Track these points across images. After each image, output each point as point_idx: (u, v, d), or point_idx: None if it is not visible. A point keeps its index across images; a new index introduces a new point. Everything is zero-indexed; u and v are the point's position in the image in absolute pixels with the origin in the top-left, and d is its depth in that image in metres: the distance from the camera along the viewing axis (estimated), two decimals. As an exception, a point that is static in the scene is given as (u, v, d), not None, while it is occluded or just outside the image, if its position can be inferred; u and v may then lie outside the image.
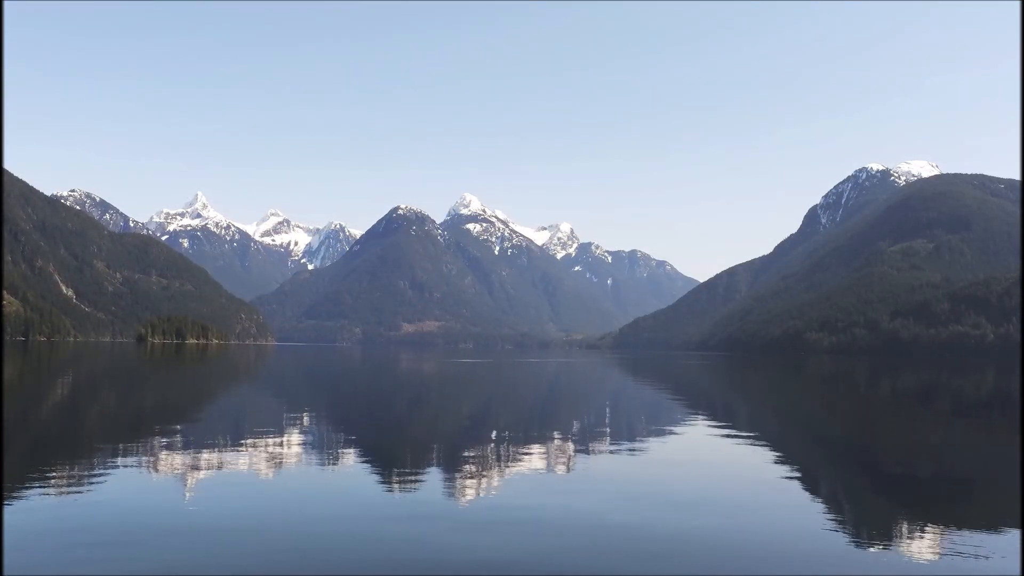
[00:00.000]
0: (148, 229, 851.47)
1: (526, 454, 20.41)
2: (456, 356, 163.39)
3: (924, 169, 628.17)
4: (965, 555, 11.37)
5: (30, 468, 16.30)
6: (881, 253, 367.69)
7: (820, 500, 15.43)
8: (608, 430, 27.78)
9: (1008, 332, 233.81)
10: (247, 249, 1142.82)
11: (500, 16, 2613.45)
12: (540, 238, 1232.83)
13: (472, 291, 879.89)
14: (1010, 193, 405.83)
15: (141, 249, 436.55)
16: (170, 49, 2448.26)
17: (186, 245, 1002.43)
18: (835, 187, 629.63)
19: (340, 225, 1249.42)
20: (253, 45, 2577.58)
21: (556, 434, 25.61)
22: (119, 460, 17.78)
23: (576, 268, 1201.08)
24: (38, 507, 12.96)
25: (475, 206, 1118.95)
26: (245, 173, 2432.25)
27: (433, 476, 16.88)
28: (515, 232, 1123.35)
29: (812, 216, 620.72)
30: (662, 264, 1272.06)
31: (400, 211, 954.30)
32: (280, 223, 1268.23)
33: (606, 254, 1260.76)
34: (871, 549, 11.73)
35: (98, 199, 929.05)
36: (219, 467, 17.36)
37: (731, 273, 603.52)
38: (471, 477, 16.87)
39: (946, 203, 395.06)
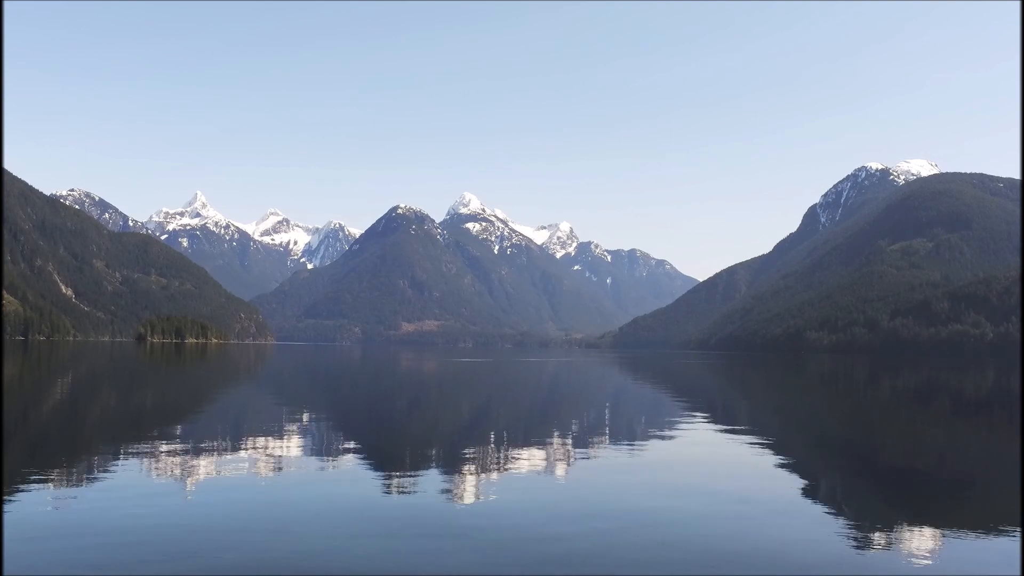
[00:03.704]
0: (147, 228, 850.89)
1: (526, 453, 20.40)
2: (456, 355, 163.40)
3: (923, 168, 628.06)
4: (965, 555, 11.36)
5: (30, 468, 16.29)
6: (881, 252, 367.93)
7: (819, 499, 15.42)
8: (608, 428, 27.77)
9: (1008, 331, 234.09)
10: (246, 248, 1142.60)
11: (500, 16, 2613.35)
12: (540, 237, 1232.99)
13: (472, 290, 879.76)
14: (1009, 192, 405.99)
15: (140, 248, 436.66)
16: (170, 49, 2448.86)
17: (185, 244, 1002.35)
18: (834, 186, 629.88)
19: (339, 224, 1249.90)
20: (253, 45, 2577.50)
21: (556, 433, 25.60)
22: (119, 460, 17.77)
23: (576, 267, 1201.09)
24: (38, 507, 12.95)
25: (474, 205, 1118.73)
26: (244, 172, 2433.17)
27: (433, 475, 16.87)
28: (514, 231, 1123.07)
29: (812, 215, 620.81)
30: (662, 263, 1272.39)
31: (399, 210, 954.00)
32: (279, 222, 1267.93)
33: (605, 253, 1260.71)
34: (870, 548, 11.72)
35: (97, 198, 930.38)
36: (219, 467, 17.35)
37: (731, 272, 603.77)
38: (471, 476, 16.86)
39: (946, 202, 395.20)
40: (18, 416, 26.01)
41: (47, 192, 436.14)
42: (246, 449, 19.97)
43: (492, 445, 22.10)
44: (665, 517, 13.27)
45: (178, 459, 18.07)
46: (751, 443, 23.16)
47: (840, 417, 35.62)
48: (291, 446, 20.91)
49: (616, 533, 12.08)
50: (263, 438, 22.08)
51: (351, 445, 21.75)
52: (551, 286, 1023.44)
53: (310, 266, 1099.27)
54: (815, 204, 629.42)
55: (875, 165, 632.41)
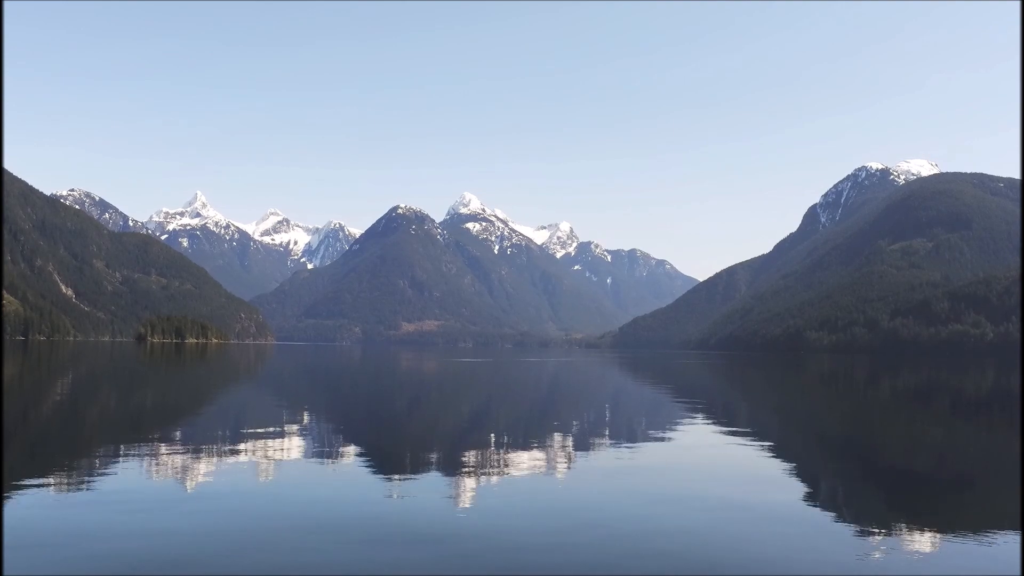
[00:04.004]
0: (148, 228, 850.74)
1: (526, 453, 20.40)
2: (456, 355, 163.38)
3: (924, 168, 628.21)
4: (965, 555, 11.36)
5: (30, 468, 16.29)
6: (881, 252, 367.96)
7: (819, 499, 15.43)
8: (608, 428, 27.78)
9: (1008, 331, 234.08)
10: (247, 248, 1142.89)
11: (500, 16, 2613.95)
12: (540, 237, 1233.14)
13: (472, 290, 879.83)
14: (1010, 192, 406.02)
15: (141, 248, 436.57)
16: (170, 49, 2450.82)
17: (185, 244, 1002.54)
18: (835, 186, 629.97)
19: (340, 224, 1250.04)
20: (253, 45, 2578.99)
21: (556, 433, 25.59)
22: (119, 460, 17.77)
23: (576, 267, 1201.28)
24: (38, 507, 12.95)
25: (475, 205, 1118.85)
26: (245, 172, 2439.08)
27: (433, 476, 16.86)
28: (515, 231, 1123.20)
29: (812, 215, 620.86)
30: (662, 263, 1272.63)
31: (400, 210, 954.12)
32: (280, 222, 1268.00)
33: (606, 253, 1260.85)
34: (870, 549, 11.71)
35: (97, 198, 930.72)
36: (219, 467, 17.35)
37: (731, 272, 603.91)
38: (471, 476, 16.85)
39: (946, 202, 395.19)
40: (18, 416, 26.01)
41: (47, 192, 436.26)
42: (246, 450, 19.96)
43: (492, 447, 22.09)
44: (666, 519, 13.26)
45: (178, 460, 18.06)
46: (751, 444, 23.15)
47: (840, 417, 35.61)
48: (291, 447, 20.91)
49: (616, 531, 12.08)
50: (263, 439, 22.07)
51: (351, 446, 21.73)
52: (551, 286, 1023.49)
53: (310, 266, 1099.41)
54: (815, 204, 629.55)
55: (875, 165, 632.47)
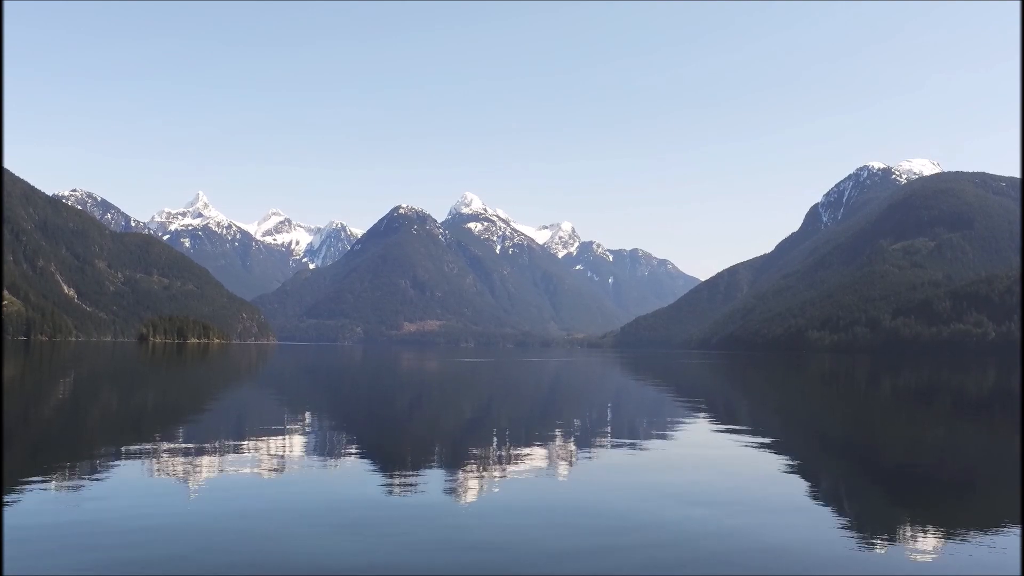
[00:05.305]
0: (149, 229, 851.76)
1: (528, 452, 20.39)
2: (457, 355, 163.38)
3: (925, 167, 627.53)
4: (965, 555, 11.35)
5: (30, 468, 16.30)
6: (882, 251, 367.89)
7: (820, 499, 15.41)
8: (610, 428, 27.76)
9: (1010, 330, 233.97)
10: (248, 248, 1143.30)
11: (500, 16, 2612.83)
12: (541, 237, 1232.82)
13: (473, 290, 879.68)
14: (1011, 191, 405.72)
15: (142, 249, 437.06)
16: (170, 49, 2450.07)
17: (187, 245, 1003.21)
18: (836, 185, 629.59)
19: (341, 224, 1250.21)
20: (253, 45, 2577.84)
21: (558, 432, 25.60)
22: (120, 460, 17.78)
23: (577, 267, 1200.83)
24: (38, 507, 12.96)
25: (476, 205, 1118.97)
26: (246, 172, 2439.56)
27: (434, 475, 16.86)
28: (516, 231, 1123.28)
29: (813, 214, 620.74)
30: (663, 263, 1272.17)
31: (401, 210, 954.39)
32: (281, 222, 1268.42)
33: (607, 253, 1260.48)
34: (871, 548, 11.71)
35: (99, 199, 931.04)
36: (220, 467, 17.36)
37: (732, 272, 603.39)
38: (473, 476, 16.86)
39: (947, 201, 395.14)
40: (19, 416, 26.03)
41: (49, 192, 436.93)
42: (247, 450, 19.97)
43: (493, 448, 22.10)
44: (664, 516, 13.25)
45: (179, 459, 18.07)
46: (752, 443, 23.13)
47: (841, 417, 35.58)
48: (292, 447, 20.92)
49: (617, 531, 12.08)
50: (264, 438, 22.08)
51: (352, 446, 21.75)
52: (553, 286, 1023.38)
53: (312, 266, 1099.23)
54: (817, 203, 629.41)
55: (877, 164, 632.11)
